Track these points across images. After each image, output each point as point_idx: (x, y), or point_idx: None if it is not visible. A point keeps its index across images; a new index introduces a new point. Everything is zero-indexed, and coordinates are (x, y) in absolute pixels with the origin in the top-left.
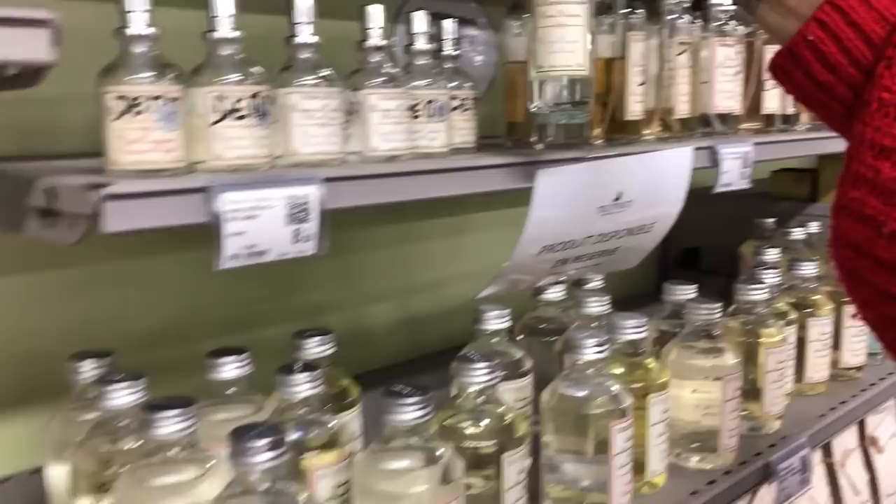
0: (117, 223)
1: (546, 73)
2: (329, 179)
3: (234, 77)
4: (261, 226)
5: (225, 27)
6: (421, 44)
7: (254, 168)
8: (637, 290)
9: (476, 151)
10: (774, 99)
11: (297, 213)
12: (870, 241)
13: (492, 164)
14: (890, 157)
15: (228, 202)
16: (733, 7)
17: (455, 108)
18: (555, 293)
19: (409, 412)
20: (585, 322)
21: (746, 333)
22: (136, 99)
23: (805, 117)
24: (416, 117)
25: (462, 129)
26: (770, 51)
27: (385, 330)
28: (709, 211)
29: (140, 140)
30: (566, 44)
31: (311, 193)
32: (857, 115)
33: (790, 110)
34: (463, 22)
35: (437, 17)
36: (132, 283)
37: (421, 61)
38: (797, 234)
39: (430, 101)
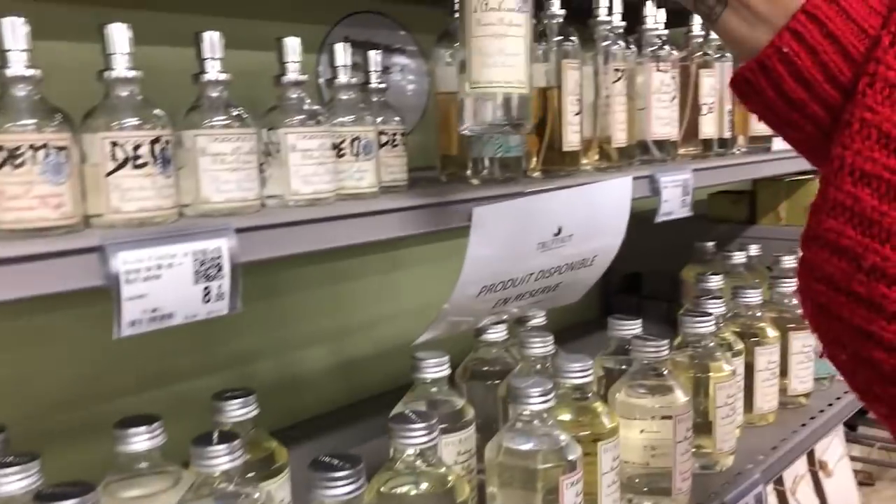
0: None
1: (481, 90)
2: (242, 230)
3: (133, 121)
4: (165, 286)
5: (121, 65)
6: (344, 77)
7: (156, 221)
8: (580, 317)
9: (408, 189)
10: (711, 123)
11: (207, 270)
12: (846, 274)
13: (424, 203)
14: (871, 184)
15: (127, 262)
16: (666, 31)
17: (384, 144)
18: (496, 333)
19: (339, 487)
20: (529, 365)
21: (695, 367)
22: (16, 149)
23: (742, 140)
24: (341, 156)
25: (392, 165)
26: (706, 75)
27: (318, 376)
28: (649, 236)
29: (22, 195)
30: (506, 56)
31: (223, 247)
32: (835, 138)
33: (727, 134)
34: (392, 50)
35: (364, 47)
36: (31, 341)
37: (345, 95)
38: (738, 257)
39: (355, 139)
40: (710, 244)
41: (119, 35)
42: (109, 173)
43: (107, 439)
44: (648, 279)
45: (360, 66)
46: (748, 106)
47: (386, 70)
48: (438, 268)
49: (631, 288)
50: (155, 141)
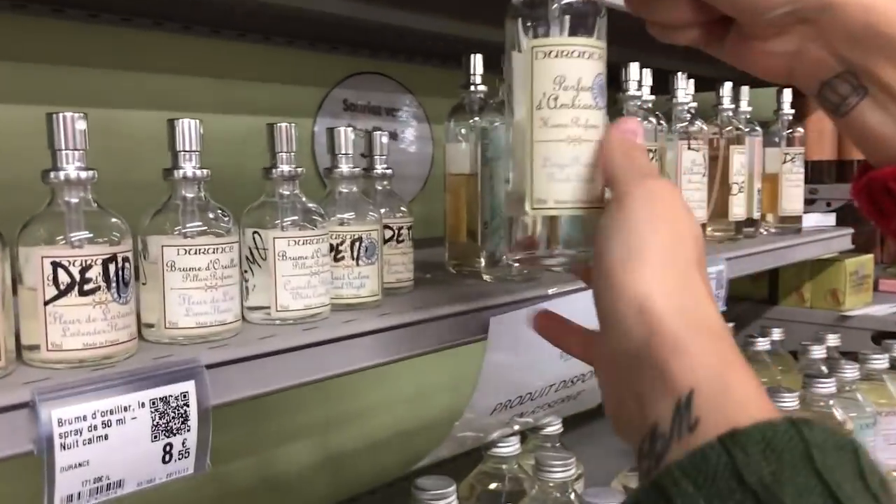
0: None
1: (548, 211)
2: (215, 366)
3: (83, 234)
4: (113, 449)
5: (73, 164)
6: (346, 167)
7: (106, 363)
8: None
9: (413, 290)
10: (741, 204)
11: (169, 423)
12: None
13: (433, 316)
14: None
15: (63, 421)
16: (695, 104)
17: (388, 240)
18: (508, 447)
19: None
20: (546, 491)
21: None
22: None
23: (771, 218)
24: (339, 260)
25: (396, 264)
26: (737, 151)
27: (302, 474)
28: None
29: None
30: (582, 168)
31: (189, 391)
32: None
33: (756, 214)
34: (394, 113)
35: (364, 110)
36: None
37: (346, 189)
38: (761, 344)
39: (356, 240)
40: (730, 325)
41: (70, 126)
42: (49, 301)
43: None
44: None
45: (357, 133)
46: (879, 220)
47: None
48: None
49: None
50: (110, 260)
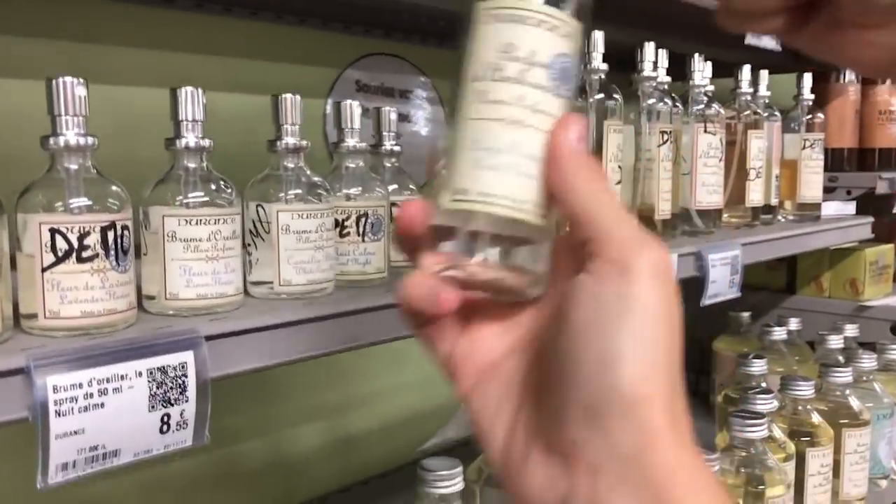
0: None
1: (468, 206)
2: (214, 337)
3: (82, 201)
4: (109, 417)
5: (73, 130)
6: (352, 141)
7: (105, 330)
8: None
9: None
10: (758, 189)
11: (167, 393)
12: None
13: None
14: None
15: (58, 388)
16: (712, 87)
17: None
18: None
19: None
20: None
21: (745, 478)
22: None
23: (789, 205)
24: (345, 236)
25: None
26: (755, 136)
27: (314, 455)
28: None
29: None
30: (520, 158)
31: (188, 362)
32: None
33: (773, 200)
34: (407, 95)
35: (377, 91)
36: None
37: (352, 163)
38: (778, 333)
39: (362, 216)
40: (746, 315)
41: (70, 91)
42: (47, 268)
43: None
44: None
45: (369, 113)
46: None
47: (401, 118)
48: None
49: None
50: (108, 228)
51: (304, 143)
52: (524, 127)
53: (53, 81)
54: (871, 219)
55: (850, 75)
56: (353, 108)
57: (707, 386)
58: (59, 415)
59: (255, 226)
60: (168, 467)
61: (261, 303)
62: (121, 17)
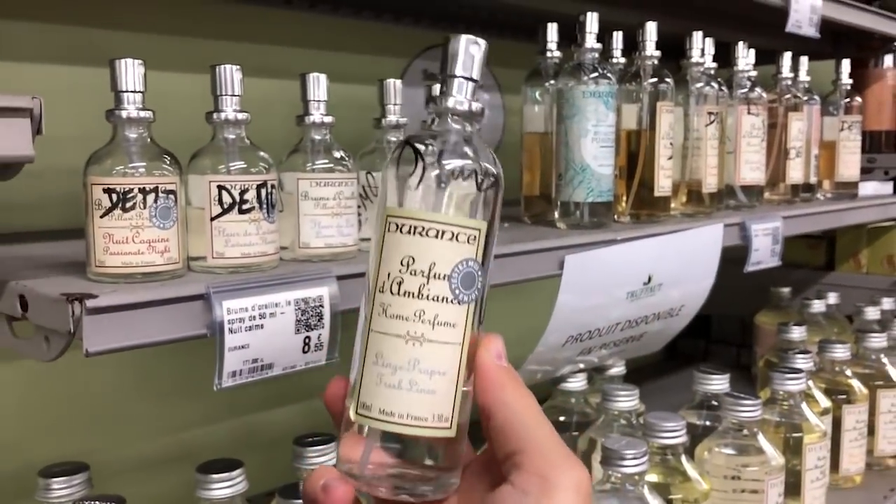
0: (101, 341)
1: (372, 422)
2: (343, 277)
3: (240, 164)
4: (267, 336)
5: (230, 108)
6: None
7: (260, 268)
8: (644, 360)
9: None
10: (798, 168)
11: (308, 319)
12: None
13: (514, 251)
14: None
15: (231, 310)
16: (755, 72)
17: None
18: (576, 382)
19: None
20: (610, 418)
21: (784, 427)
22: (127, 193)
23: (827, 184)
24: None
25: None
26: (795, 118)
27: None
28: (720, 278)
29: (130, 240)
30: (420, 374)
31: (324, 295)
32: None
33: (812, 179)
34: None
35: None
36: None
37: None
38: (817, 306)
39: None
40: (787, 290)
41: (228, 77)
42: (214, 217)
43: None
44: (717, 322)
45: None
46: None
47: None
48: (508, 305)
49: (698, 331)
50: (261, 186)
51: (404, 119)
52: (425, 342)
53: (217, 69)
54: None
55: (888, 61)
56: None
57: (749, 359)
58: (231, 332)
59: (364, 190)
60: (264, 416)
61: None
62: (251, 18)
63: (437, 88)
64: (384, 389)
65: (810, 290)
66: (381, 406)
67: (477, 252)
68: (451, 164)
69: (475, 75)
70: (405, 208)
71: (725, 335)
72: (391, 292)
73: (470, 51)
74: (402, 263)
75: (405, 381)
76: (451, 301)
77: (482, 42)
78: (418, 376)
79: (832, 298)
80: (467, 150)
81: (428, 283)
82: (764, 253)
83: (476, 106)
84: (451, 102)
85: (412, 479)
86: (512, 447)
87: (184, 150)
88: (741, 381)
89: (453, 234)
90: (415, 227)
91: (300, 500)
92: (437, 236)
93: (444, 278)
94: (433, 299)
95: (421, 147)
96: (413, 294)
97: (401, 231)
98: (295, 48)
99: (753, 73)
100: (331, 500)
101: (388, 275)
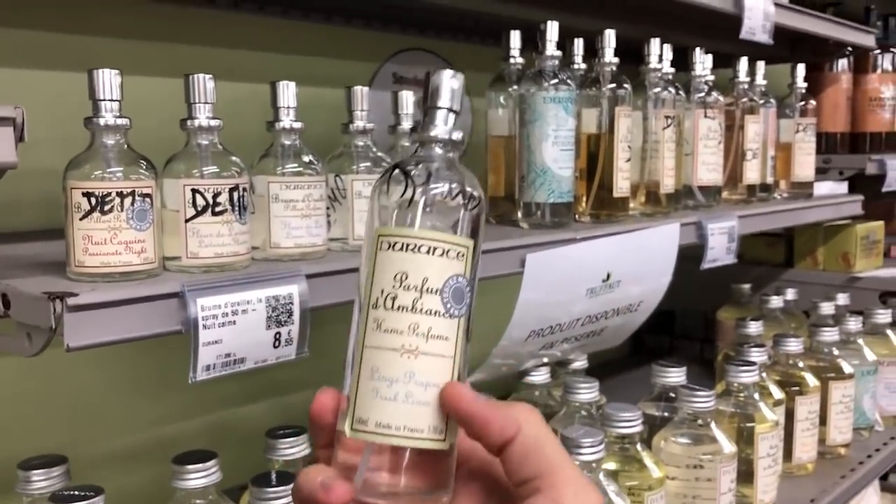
0: (81, 337)
1: (369, 435)
2: (312, 276)
3: (213, 169)
4: (239, 332)
5: (203, 115)
6: (407, 124)
7: (232, 268)
8: (610, 354)
9: None
10: (755, 169)
11: (279, 316)
12: None
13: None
14: None
15: (205, 307)
16: (712, 77)
17: None
18: (539, 376)
19: None
20: (572, 410)
21: (738, 417)
22: (105, 196)
23: (783, 184)
24: None
25: None
26: (751, 121)
27: None
28: (683, 275)
29: (108, 241)
30: (415, 386)
31: (294, 293)
32: None
33: (769, 179)
34: None
35: (411, 83)
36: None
37: (407, 142)
38: (775, 301)
39: None
40: (747, 287)
41: (201, 85)
42: (189, 219)
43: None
44: (681, 318)
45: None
46: None
47: None
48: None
49: (663, 327)
50: (234, 189)
51: (371, 125)
52: (420, 355)
53: (190, 78)
54: (861, 197)
55: (842, 65)
56: (408, 98)
57: (712, 353)
58: (205, 328)
59: (332, 193)
60: (236, 412)
61: (338, 254)
62: (225, 24)
63: (417, 116)
64: (381, 402)
65: (770, 287)
66: (377, 419)
67: (465, 268)
68: (439, 186)
69: (456, 107)
70: (396, 227)
71: (689, 331)
72: (385, 307)
73: (451, 84)
74: (395, 279)
75: (401, 394)
76: (444, 314)
77: (460, 76)
78: (414, 388)
79: (790, 294)
80: (452, 174)
81: (421, 297)
82: (720, 251)
83: (457, 135)
84: (434, 132)
85: (406, 493)
86: (532, 471)
87: (159, 149)
88: (703, 375)
89: (444, 250)
90: (407, 245)
91: (272, 489)
92: (429, 252)
93: (436, 292)
94: (426, 313)
95: (411, 170)
96: (407, 308)
97: (393, 248)
98: (268, 53)
99: (710, 78)
100: (332, 498)
101: (382, 291)
